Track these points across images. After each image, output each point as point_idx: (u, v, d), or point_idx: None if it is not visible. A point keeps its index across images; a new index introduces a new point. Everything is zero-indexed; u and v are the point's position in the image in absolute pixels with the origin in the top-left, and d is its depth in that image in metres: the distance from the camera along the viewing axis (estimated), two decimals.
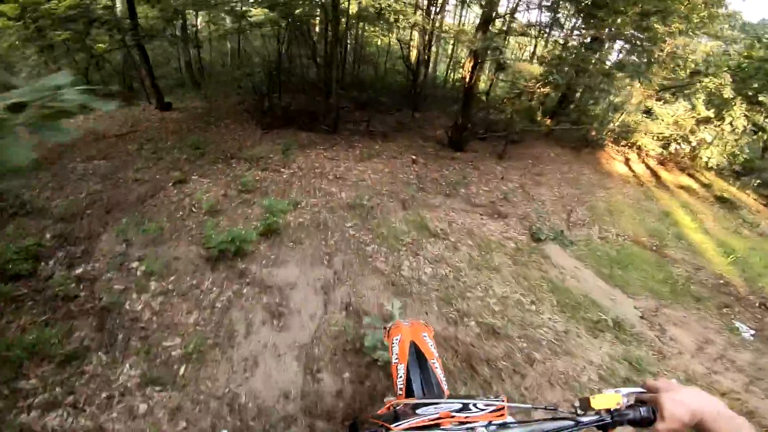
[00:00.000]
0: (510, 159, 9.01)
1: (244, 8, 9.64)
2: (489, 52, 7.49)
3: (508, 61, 8.89)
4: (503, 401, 0.96)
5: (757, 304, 5.30)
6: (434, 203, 6.23)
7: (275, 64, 9.77)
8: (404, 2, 10.34)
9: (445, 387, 1.45)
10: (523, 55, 15.51)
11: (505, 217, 6.24)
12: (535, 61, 10.91)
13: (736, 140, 10.84)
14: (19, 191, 4.76)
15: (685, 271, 5.92)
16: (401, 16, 9.41)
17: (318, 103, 9.47)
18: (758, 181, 11.32)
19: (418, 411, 0.98)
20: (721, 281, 5.84)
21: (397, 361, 1.54)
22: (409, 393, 1.38)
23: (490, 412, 0.94)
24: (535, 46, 13.29)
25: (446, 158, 8.27)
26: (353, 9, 9.19)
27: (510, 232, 5.78)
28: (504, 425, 0.88)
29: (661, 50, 10.48)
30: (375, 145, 8.34)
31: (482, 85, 13.89)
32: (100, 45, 9.10)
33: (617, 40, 11.66)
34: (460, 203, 6.46)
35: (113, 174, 5.65)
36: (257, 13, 9.95)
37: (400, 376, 1.46)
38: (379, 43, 15.26)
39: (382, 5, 9.14)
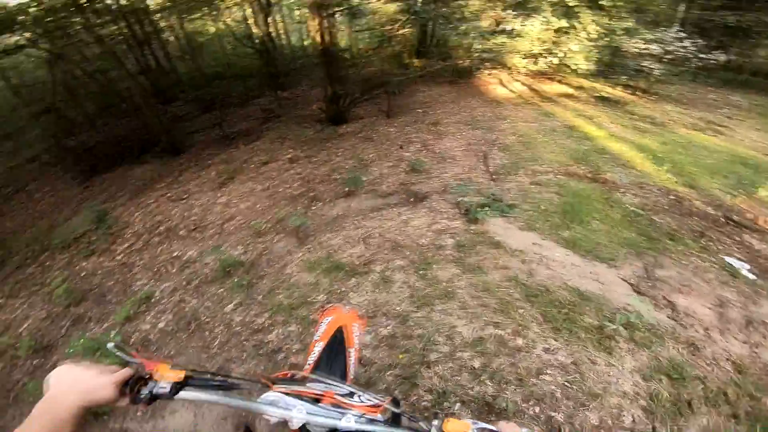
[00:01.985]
0: (398, 115, 7.76)
1: None
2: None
3: (360, 6, 7.47)
4: (384, 402, 0.97)
5: (722, 220, 4.83)
6: (335, 215, 4.68)
7: (61, 92, 6.92)
8: None
9: (351, 376, 1.45)
10: None
11: (424, 199, 4.93)
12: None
13: (593, 46, 11.05)
14: None
15: (634, 197, 5.25)
16: None
17: (144, 123, 7.01)
18: (623, 76, 11.80)
19: (309, 384, 1.02)
20: (672, 197, 5.31)
21: (318, 339, 1.54)
22: (315, 370, 1.38)
23: (368, 405, 0.97)
24: None
25: (331, 139, 6.68)
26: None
27: (440, 221, 4.47)
28: (372, 421, 0.91)
29: None
30: (236, 154, 6.35)
31: (343, 42, 12.49)
32: None
33: None
34: (367, 200, 4.98)
35: None
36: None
37: (314, 353, 1.47)
38: (211, 30, 12.86)
39: None
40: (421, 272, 3.58)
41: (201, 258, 4.01)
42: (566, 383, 2.58)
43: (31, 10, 5.83)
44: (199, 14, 10.50)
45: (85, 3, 6.20)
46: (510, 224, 4.44)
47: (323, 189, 5.26)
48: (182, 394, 0.90)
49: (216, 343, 3.01)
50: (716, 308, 3.41)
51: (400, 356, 2.74)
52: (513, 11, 11.70)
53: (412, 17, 7.26)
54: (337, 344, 1.52)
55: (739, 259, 4.10)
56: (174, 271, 3.91)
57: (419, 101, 8.57)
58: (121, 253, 4.30)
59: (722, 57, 10.85)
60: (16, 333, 3.51)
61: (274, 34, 10.47)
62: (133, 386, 0.86)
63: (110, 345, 0.95)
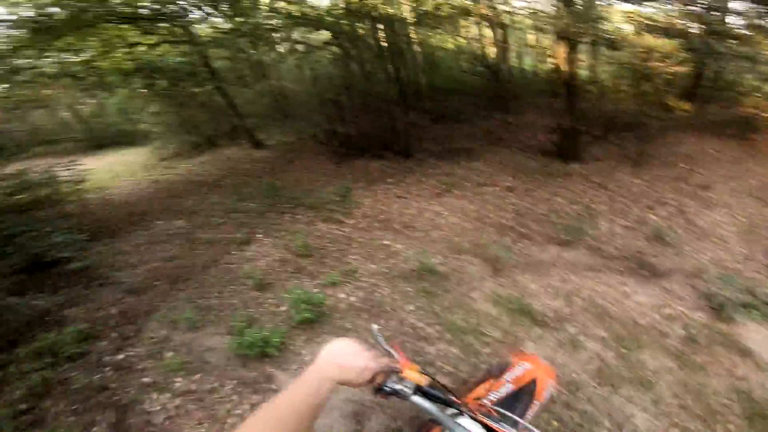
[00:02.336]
0: (650, 166, 6.51)
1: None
2: (586, 27, 5.41)
3: (614, 38, 6.64)
4: None
5: None
6: (542, 260, 4.33)
7: (342, 86, 8.76)
8: None
9: (521, 427, 1.34)
10: (623, 28, 12.52)
11: (661, 276, 4.07)
12: (643, 32, 8.32)
13: None
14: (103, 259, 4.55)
15: None
16: (463, 12, 7.77)
17: (389, 125, 8.18)
18: None
19: (501, 424, 1.06)
20: None
21: (509, 380, 1.52)
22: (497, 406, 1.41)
23: None
24: (631, 16, 10.29)
25: (556, 176, 6.18)
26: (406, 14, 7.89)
27: (674, 306, 3.64)
28: None
29: None
30: (457, 169, 6.65)
31: (583, 72, 11.54)
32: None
33: None
34: (583, 256, 4.43)
35: (191, 234, 5.17)
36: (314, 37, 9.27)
37: (498, 392, 1.46)
38: (449, 46, 13.84)
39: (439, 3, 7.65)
40: (623, 350, 3.07)
41: (405, 253, 4.37)
42: None
43: (335, 12, 7.51)
44: (441, 30, 11.17)
45: (367, 11, 7.51)
46: None
47: (536, 228, 4.97)
48: (415, 398, 0.94)
49: (385, 335, 3.17)
50: None
51: (554, 423, 2.41)
52: None
53: (690, 53, 5.96)
54: (526, 394, 1.48)
55: None
56: (381, 257, 4.36)
57: (682, 154, 7.00)
58: (349, 227, 5.04)
59: None
60: (254, 265, 4.21)
61: (506, 56, 10.44)
62: (384, 377, 0.92)
63: (375, 327, 1.10)
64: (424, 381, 0.96)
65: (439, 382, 1.05)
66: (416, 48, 11.50)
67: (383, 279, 3.95)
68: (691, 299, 3.78)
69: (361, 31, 8.31)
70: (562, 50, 6.41)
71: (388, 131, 7.79)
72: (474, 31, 11.47)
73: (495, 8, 8.23)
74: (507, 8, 8.95)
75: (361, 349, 0.88)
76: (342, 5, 7.96)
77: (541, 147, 7.26)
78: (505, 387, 1.50)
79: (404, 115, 7.60)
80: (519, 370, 1.59)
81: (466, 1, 8.52)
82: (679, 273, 4.16)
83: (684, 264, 4.33)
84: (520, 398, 1.46)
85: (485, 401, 1.41)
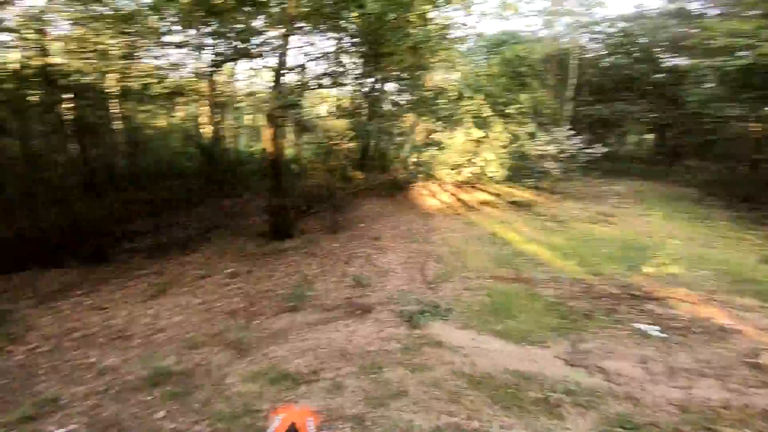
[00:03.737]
0: (343, 230, 8.22)
1: None
2: (286, 111, 6.58)
3: (310, 120, 8.33)
4: None
5: (625, 296, 5.53)
6: (280, 328, 4.71)
7: None
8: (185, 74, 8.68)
9: None
10: (318, 111, 15.50)
11: (370, 311, 5.17)
12: (331, 114, 10.79)
13: (505, 152, 12.95)
14: None
15: (552, 290, 5.92)
16: (180, 89, 7.72)
17: (68, 221, 6.64)
18: (530, 179, 13.77)
19: None
20: (583, 285, 6.05)
21: None
22: None
23: None
24: (326, 100, 13.36)
25: (274, 254, 6.86)
26: (112, 85, 7.02)
27: (385, 329, 4.68)
28: None
29: (425, 84, 11.88)
30: (171, 266, 6.21)
31: (289, 151, 13.21)
32: None
33: (390, 82, 12.80)
34: (312, 314, 5.09)
35: None
36: None
37: None
38: (161, 124, 12.80)
39: (154, 79, 7.30)
40: (372, 376, 3.67)
41: (125, 366, 3.76)
42: None
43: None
44: (152, 105, 10.45)
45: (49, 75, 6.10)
46: (450, 326, 4.83)
47: (266, 304, 5.32)
48: None
49: None
50: (641, 365, 3.93)
51: None
52: (442, 123, 13.62)
53: (357, 132, 8.16)
54: None
55: (647, 324, 4.80)
56: (89, 376, 3.67)
57: (362, 215, 9.18)
58: (22, 354, 3.97)
59: (602, 149, 13.08)
60: None
61: (222, 137, 10.71)
62: None
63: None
64: None
65: None
66: (118, 124, 10.09)
67: (105, 398, 3.31)
68: (394, 320, 4.93)
69: (31, 99, 6.54)
70: (269, 132, 7.19)
71: (69, 229, 6.35)
72: (191, 109, 11.11)
73: (213, 87, 8.40)
74: (225, 88, 9.27)
75: None
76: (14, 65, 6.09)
77: (258, 229, 7.86)
78: None
79: (92, 207, 6.40)
80: (276, 423, 1.73)
81: (182, 78, 8.30)
82: (380, 304, 5.39)
83: (380, 297, 5.64)
84: None
85: None
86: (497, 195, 12.46)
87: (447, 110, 13.80)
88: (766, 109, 14.57)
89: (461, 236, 8.49)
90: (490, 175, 12.70)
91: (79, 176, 7.17)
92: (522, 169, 14.15)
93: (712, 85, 14.21)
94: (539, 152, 13.12)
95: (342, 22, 7.54)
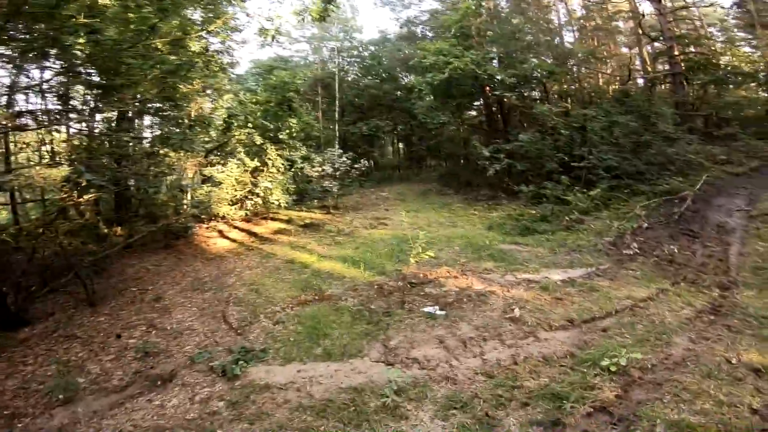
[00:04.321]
0: (108, 299, 6.68)
1: None
2: None
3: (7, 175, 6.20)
4: None
5: (404, 286, 6.38)
6: (61, 424, 3.76)
7: None
8: None
9: None
10: (35, 157, 11.66)
11: (172, 378, 4.47)
12: (49, 162, 8.36)
13: (285, 178, 13.27)
14: None
15: (353, 299, 6.39)
16: None
17: None
18: (315, 199, 14.62)
19: None
20: (376, 286, 6.73)
21: None
22: None
23: None
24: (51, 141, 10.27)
25: (8, 350, 5.08)
26: None
27: (199, 391, 4.21)
28: None
29: (189, 115, 10.87)
30: None
31: (3, 216, 9.71)
32: None
33: (145, 115, 11.14)
34: (97, 399, 4.18)
35: None
36: None
37: None
38: None
39: None
40: None
41: None
42: None
43: None
44: None
45: None
46: (270, 366, 4.67)
47: (23, 404, 4.00)
48: None
49: None
50: (440, 345, 4.68)
51: None
52: (213, 156, 12.66)
53: (96, 180, 6.56)
54: None
55: (430, 306, 5.81)
56: None
57: (131, 277, 7.69)
58: None
59: (367, 162, 15.26)
60: None
61: None
62: None
63: None
64: None
65: None
66: None
67: None
68: (206, 379, 4.45)
69: None
70: None
71: None
72: None
73: None
74: None
75: None
76: None
77: None
78: None
79: None
80: None
81: None
82: (183, 368, 4.69)
83: (180, 360, 4.90)
84: None
85: None
86: (288, 221, 12.66)
87: (214, 142, 13.08)
88: (462, 115, 20.16)
89: (259, 271, 8.26)
90: (274, 202, 12.74)
91: None
92: (305, 191, 14.92)
93: (429, 98, 18.41)
94: (318, 173, 14.14)
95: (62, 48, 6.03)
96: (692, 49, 18.06)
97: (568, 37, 21.31)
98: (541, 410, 3.38)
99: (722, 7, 19.08)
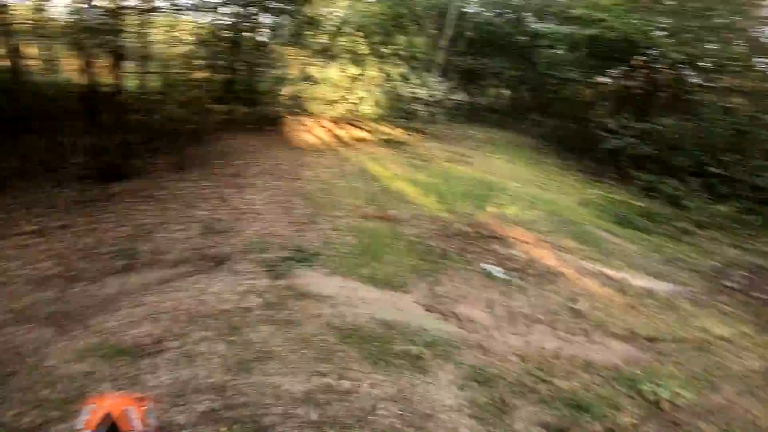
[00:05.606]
0: (196, 167, 7.22)
1: None
2: (98, 37, 5.15)
3: (139, 47, 6.75)
4: None
5: (471, 233, 6.07)
6: (108, 294, 3.99)
7: None
8: None
9: None
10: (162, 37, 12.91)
11: (224, 261, 4.69)
12: (182, 43, 9.15)
13: (379, 91, 12.94)
14: None
15: (413, 228, 6.17)
16: None
17: None
18: (402, 119, 14.15)
19: None
20: (440, 223, 6.44)
21: (81, 428, 1.46)
22: None
23: None
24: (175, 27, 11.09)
25: (98, 201, 5.64)
26: None
27: (243, 282, 4.28)
28: None
29: (305, 14, 10.88)
30: None
31: (131, 84, 10.99)
32: None
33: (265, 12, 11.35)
34: (150, 272, 4.41)
35: None
36: None
37: None
38: None
39: None
40: (230, 339, 3.35)
41: None
42: (400, 412, 2.80)
43: None
44: None
45: None
46: (315, 273, 4.65)
47: (86, 266, 4.40)
48: None
49: None
50: (487, 310, 4.37)
51: (229, 429, 2.48)
52: (317, 58, 12.82)
53: (216, 62, 6.92)
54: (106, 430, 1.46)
55: (492, 264, 5.37)
56: None
57: (220, 151, 8.15)
58: None
59: (466, 98, 14.28)
60: None
61: (24, 69, 8.27)
62: None
63: None
64: None
65: None
66: None
67: None
68: (253, 271, 4.50)
69: None
70: (78, 61, 5.62)
71: None
72: None
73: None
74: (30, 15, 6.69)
75: None
76: None
77: (79, 172, 6.32)
78: None
79: None
80: (85, 415, 1.53)
81: None
82: (237, 253, 4.91)
83: (237, 244, 5.15)
84: None
85: None
86: (371, 132, 12.59)
87: (324, 44, 12.94)
88: (597, 77, 17.47)
89: (333, 172, 8.30)
90: (364, 112, 12.72)
91: None
92: (395, 108, 14.50)
93: (562, 50, 16.07)
94: (411, 94, 13.54)
95: None
96: None
97: None
98: (556, 414, 3.04)
99: None
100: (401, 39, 14.10)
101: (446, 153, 11.44)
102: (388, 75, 13.47)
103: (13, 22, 6.70)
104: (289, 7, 9.11)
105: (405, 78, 14.08)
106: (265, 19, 12.49)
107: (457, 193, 8.02)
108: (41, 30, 8.22)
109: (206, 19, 10.13)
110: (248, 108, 10.84)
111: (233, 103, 10.98)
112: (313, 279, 4.52)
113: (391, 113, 14.48)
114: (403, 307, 4.26)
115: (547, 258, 5.85)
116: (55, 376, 2.83)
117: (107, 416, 1.48)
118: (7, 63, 7.92)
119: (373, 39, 13.06)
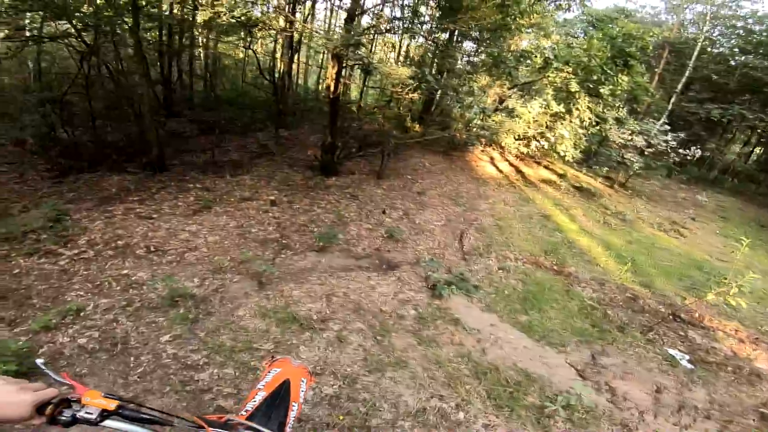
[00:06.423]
0: (389, 177, 7.99)
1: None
2: (351, 51, 6.20)
3: (373, 63, 7.91)
4: None
5: (670, 316, 5.08)
6: (303, 266, 4.67)
7: (80, 85, 6.90)
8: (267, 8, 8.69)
9: (288, 430, 1.41)
10: (388, 57, 14.89)
11: (395, 268, 5.03)
12: (399, 62, 10.37)
13: (584, 133, 11.70)
14: None
15: (593, 292, 5.49)
16: (262, 24, 7.58)
17: (136, 133, 7.09)
18: (605, 167, 12.46)
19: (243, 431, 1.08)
20: (629, 294, 5.56)
21: (261, 387, 1.54)
22: (251, 418, 1.33)
23: None
24: (399, 47, 12.71)
25: (317, 189, 6.80)
26: (203, 17, 7.22)
27: (406, 291, 4.51)
28: None
29: (508, 48, 10.83)
30: (220, 183, 6.38)
31: (354, 94, 12.96)
32: None
33: (467, 40, 11.88)
34: (338, 258, 5.03)
35: None
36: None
37: (253, 401, 1.46)
38: (240, 55, 13.25)
39: (239, 13, 7.25)
40: (378, 338, 3.55)
41: (152, 281, 3.88)
42: None
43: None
44: (234, 37, 10.52)
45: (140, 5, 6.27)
46: (472, 304, 4.58)
47: (297, 238, 5.28)
48: (109, 422, 0.88)
49: (139, 370, 2.82)
50: (653, 394, 3.61)
51: (341, 417, 2.63)
52: (517, 90, 12.54)
53: (422, 84, 7.62)
54: (280, 396, 1.51)
55: (680, 351, 4.40)
56: (118, 288, 3.75)
57: (410, 167, 8.89)
58: (67, 258, 4.10)
59: (698, 152, 11.56)
60: None
61: (293, 72, 10.80)
62: (55, 408, 0.84)
63: (39, 361, 0.96)
64: (111, 405, 0.88)
65: (139, 403, 0.98)
66: (199, 52, 10.40)
67: (123, 313, 3.41)
68: (416, 283, 4.72)
69: (119, 25, 6.88)
70: (333, 70, 7.00)
71: (136, 140, 6.77)
72: (267, 43, 11.37)
73: (289, 23, 8.21)
74: (301, 26, 9.13)
75: (14, 382, 0.81)
76: None
77: (308, 162, 7.84)
78: (258, 395, 1.51)
79: (161, 122, 6.74)
80: (269, 377, 1.64)
81: (270, 15, 8.21)
82: (407, 263, 5.22)
83: (409, 255, 5.48)
84: (275, 403, 1.48)
85: (235, 415, 1.34)
86: (562, 176, 11.56)
87: (527, 78, 12.60)
88: None
89: (511, 210, 8.00)
90: (560, 153, 11.68)
91: (151, 95, 7.47)
92: (598, 155, 12.86)
93: None
94: (623, 140, 11.79)
95: None
96: None
97: None
98: None
99: None
100: (625, 79, 12.42)
101: (654, 217, 9.63)
102: (599, 116, 12.07)
103: (289, 31, 8.71)
104: (489, 39, 9.21)
105: (620, 121, 12.41)
106: (468, 47, 13.02)
107: (660, 267, 6.69)
108: (308, 39, 10.52)
109: (418, 41, 11.18)
110: (441, 131, 11.35)
111: (429, 125, 11.73)
112: (467, 309, 4.46)
113: (592, 159, 12.97)
114: (553, 365, 3.79)
115: (759, 360, 4.50)
116: (238, 326, 3.38)
117: (285, 382, 1.57)
118: (287, 67, 10.53)
119: (586, 76, 11.90)
